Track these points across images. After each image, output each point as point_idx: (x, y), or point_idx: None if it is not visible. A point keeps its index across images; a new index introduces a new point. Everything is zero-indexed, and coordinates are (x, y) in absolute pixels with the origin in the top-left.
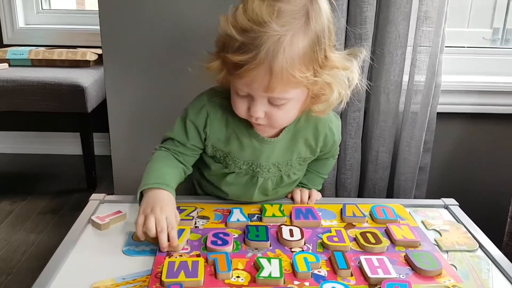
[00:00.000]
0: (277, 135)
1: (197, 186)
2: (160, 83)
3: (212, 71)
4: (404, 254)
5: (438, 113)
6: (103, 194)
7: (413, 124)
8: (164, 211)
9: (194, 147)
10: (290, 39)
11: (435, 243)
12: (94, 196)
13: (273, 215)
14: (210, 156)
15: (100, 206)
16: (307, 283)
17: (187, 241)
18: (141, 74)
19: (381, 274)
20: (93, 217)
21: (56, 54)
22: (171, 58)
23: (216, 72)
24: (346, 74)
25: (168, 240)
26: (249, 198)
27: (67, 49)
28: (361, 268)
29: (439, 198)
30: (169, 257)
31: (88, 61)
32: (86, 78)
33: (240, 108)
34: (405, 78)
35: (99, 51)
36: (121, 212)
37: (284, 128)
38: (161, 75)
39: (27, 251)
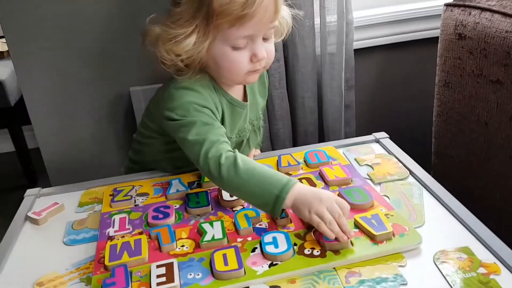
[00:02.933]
0: (245, 97)
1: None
2: (73, 65)
3: (185, 51)
4: (338, 192)
5: (355, 50)
6: (38, 188)
7: (332, 65)
8: (324, 200)
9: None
10: None
11: (368, 177)
12: (29, 191)
13: None
14: None
15: (36, 201)
16: (249, 238)
17: None
18: (53, 59)
19: None
20: (29, 214)
21: None
22: (81, 37)
23: (195, 48)
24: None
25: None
26: None
27: None
28: None
29: (370, 134)
30: (110, 241)
31: (2, 52)
32: (2, 70)
33: (242, 63)
34: (317, 21)
35: None
36: (58, 203)
37: (245, 88)
38: (73, 57)
39: None
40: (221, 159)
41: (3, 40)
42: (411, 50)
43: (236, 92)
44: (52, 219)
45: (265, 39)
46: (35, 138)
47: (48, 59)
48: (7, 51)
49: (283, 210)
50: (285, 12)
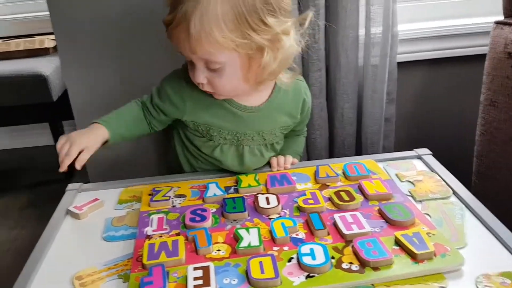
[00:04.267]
0: (261, 103)
1: (186, 165)
2: (119, 62)
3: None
4: (378, 207)
5: (399, 63)
6: (80, 183)
7: (374, 77)
8: (82, 135)
9: (160, 111)
10: (207, 1)
11: (409, 194)
12: (70, 186)
13: (249, 185)
14: (192, 132)
15: (77, 196)
16: (286, 248)
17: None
18: (99, 56)
19: (355, 230)
20: (70, 208)
21: (13, 45)
22: (128, 35)
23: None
24: (287, 40)
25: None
26: (242, 170)
27: (24, 39)
28: (336, 226)
29: (408, 148)
30: (149, 240)
31: (47, 49)
32: (46, 66)
33: (190, 74)
34: (362, 32)
35: None
36: (98, 199)
37: (269, 96)
38: (119, 54)
39: (11, 248)
40: None
41: (50, 36)
42: (455, 66)
43: (247, 96)
44: (92, 215)
45: (210, 69)
46: None
47: (94, 56)
48: (53, 47)
49: None
50: (263, 52)
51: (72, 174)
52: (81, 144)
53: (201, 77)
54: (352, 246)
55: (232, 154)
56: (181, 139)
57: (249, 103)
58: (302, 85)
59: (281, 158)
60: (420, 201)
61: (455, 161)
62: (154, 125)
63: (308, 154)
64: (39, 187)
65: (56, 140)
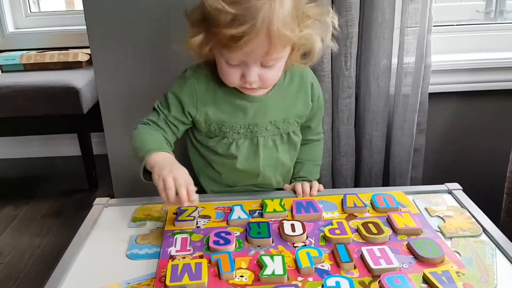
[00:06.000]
0: (267, 92)
1: (202, 181)
2: (152, 79)
3: (193, 47)
4: (406, 242)
5: (430, 94)
6: (107, 198)
7: (405, 106)
8: (177, 169)
9: (175, 120)
10: (278, 3)
11: (439, 230)
12: (97, 200)
13: (274, 211)
14: (206, 134)
15: (104, 210)
16: (310, 279)
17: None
18: (133, 71)
19: (383, 265)
20: None
21: (48, 57)
22: (162, 53)
23: (199, 47)
24: (324, 20)
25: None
26: (257, 169)
27: (58, 51)
28: (363, 260)
29: (436, 181)
30: (172, 260)
31: (80, 62)
32: (79, 79)
33: (233, 78)
34: (394, 61)
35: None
36: None
37: (275, 84)
38: (153, 71)
39: (33, 255)
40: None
41: (84, 50)
42: (488, 100)
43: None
44: (116, 232)
45: (264, 66)
46: (101, 145)
47: (128, 70)
48: (86, 61)
49: (148, 172)
50: (314, 40)
51: (97, 185)
52: (186, 183)
53: (253, 75)
54: (379, 281)
55: (247, 148)
56: (193, 146)
57: (255, 93)
58: (308, 71)
59: (306, 185)
60: (450, 238)
61: (483, 196)
62: (167, 138)
63: (333, 181)
64: (63, 196)
65: (84, 150)
